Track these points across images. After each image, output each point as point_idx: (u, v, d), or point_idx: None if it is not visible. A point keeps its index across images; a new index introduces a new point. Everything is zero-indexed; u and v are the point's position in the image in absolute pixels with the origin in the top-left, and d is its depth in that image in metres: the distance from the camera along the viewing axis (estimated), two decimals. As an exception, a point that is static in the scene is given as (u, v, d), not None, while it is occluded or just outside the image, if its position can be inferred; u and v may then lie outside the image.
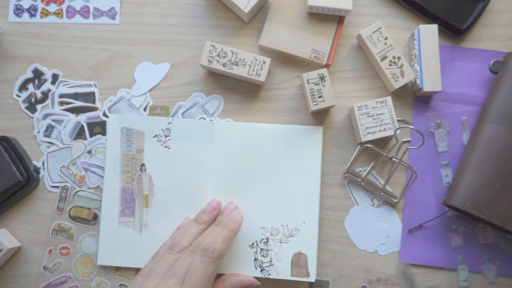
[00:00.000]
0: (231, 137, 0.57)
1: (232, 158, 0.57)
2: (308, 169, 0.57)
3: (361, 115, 0.54)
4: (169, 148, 0.57)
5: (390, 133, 0.54)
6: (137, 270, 0.57)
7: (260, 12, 0.59)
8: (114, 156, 0.57)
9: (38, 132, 0.59)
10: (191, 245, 0.51)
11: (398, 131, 0.55)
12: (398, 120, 0.56)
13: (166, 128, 0.57)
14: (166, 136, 0.57)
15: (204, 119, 0.58)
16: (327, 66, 0.58)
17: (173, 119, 0.58)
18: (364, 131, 0.54)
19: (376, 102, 0.54)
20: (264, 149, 0.57)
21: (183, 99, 0.59)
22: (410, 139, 0.57)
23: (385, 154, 0.56)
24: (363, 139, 0.54)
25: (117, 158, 0.57)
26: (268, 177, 0.57)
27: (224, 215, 0.54)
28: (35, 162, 0.58)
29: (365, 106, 0.54)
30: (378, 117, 0.54)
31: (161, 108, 0.58)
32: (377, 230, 0.57)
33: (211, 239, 0.50)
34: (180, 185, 0.57)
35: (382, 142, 0.57)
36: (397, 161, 0.56)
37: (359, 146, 0.57)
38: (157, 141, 0.57)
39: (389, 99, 0.54)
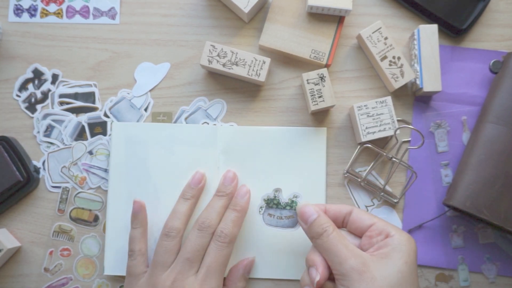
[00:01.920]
0: (235, 141, 0.57)
1: (237, 162, 0.57)
2: (313, 171, 0.57)
3: (361, 115, 0.54)
4: (173, 154, 0.57)
5: (390, 133, 0.54)
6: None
7: (260, 12, 0.59)
8: (118, 165, 0.57)
9: (38, 132, 0.59)
10: (195, 223, 0.52)
11: (398, 131, 0.55)
12: (398, 120, 0.56)
13: (170, 134, 0.57)
14: (170, 142, 0.57)
15: (208, 123, 0.58)
16: (327, 66, 0.58)
17: (176, 125, 0.58)
18: (364, 131, 0.54)
19: (376, 102, 0.54)
20: (269, 152, 0.57)
21: (184, 100, 0.59)
22: (410, 139, 0.58)
23: (385, 154, 0.56)
24: (363, 139, 0.54)
25: (121, 166, 0.57)
26: (273, 180, 0.57)
27: (236, 198, 0.54)
28: (35, 162, 0.58)
29: (365, 106, 0.54)
30: (378, 117, 0.54)
31: (164, 114, 0.58)
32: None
33: (222, 225, 0.52)
34: None
35: (382, 142, 0.57)
36: (397, 161, 0.56)
37: (359, 146, 0.57)
38: (161, 147, 0.57)
39: (389, 99, 0.54)
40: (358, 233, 0.48)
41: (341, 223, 0.50)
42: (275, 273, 0.56)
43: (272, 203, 0.56)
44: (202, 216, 0.52)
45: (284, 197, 0.56)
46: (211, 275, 0.50)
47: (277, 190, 0.56)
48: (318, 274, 0.45)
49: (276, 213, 0.56)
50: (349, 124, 0.58)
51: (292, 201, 0.56)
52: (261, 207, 0.56)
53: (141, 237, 0.53)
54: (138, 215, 0.54)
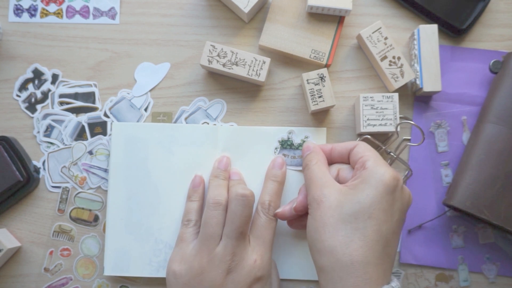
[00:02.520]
0: (235, 141, 0.57)
1: (237, 162, 0.57)
2: None
3: (365, 105, 0.54)
4: (173, 154, 0.57)
5: (390, 128, 0.54)
6: (142, 277, 0.56)
7: (260, 12, 0.59)
8: (118, 165, 0.57)
9: (38, 132, 0.59)
10: (232, 195, 0.52)
11: (399, 127, 0.55)
12: (400, 117, 0.56)
13: (170, 134, 0.57)
14: (170, 142, 0.57)
15: (208, 123, 0.58)
16: (327, 66, 0.58)
17: (176, 125, 0.58)
18: (365, 122, 0.54)
19: (383, 96, 0.54)
20: (269, 152, 0.57)
21: (184, 100, 0.59)
22: (410, 137, 0.57)
23: (383, 147, 0.56)
24: (362, 130, 0.54)
25: (121, 166, 0.57)
26: None
27: (274, 168, 0.55)
28: (35, 162, 0.58)
29: (371, 98, 0.54)
30: (382, 111, 0.54)
31: (164, 114, 0.58)
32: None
33: (268, 197, 0.53)
34: (186, 191, 0.56)
35: (383, 138, 0.57)
36: (394, 156, 0.56)
37: (358, 138, 0.57)
38: (161, 147, 0.57)
39: (396, 96, 0.54)
40: (354, 167, 0.50)
41: (347, 160, 0.51)
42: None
43: (286, 144, 0.57)
44: (238, 187, 0.52)
45: (297, 139, 0.57)
46: (266, 248, 0.51)
47: (291, 132, 0.57)
48: (296, 201, 0.51)
49: (290, 153, 0.57)
50: (349, 124, 0.58)
51: (304, 142, 0.57)
52: (276, 148, 0.57)
53: (199, 210, 0.54)
54: (198, 189, 0.55)
